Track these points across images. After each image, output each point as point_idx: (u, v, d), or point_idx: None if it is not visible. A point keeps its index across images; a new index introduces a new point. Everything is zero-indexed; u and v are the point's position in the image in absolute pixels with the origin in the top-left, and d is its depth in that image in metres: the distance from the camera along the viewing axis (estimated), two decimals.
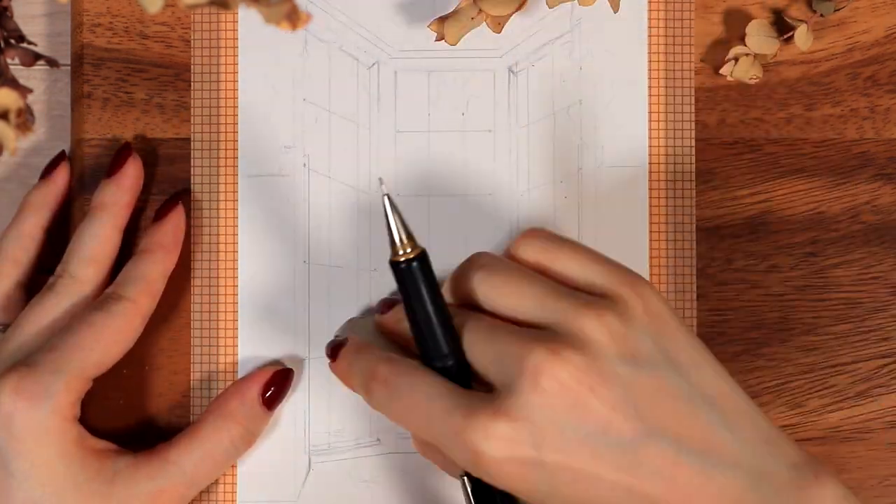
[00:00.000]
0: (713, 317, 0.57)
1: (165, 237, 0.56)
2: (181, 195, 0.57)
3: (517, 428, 0.47)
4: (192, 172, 0.58)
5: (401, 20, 0.58)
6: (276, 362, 0.57)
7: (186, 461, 0.54)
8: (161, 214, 0.57)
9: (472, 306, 0.51)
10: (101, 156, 0.58)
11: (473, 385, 0.50)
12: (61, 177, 0.58)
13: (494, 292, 0.50)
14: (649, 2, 0.58)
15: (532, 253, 0.51)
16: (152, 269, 0.56)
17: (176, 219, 0.57)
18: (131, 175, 0.57)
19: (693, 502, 0.47)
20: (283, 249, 0.58)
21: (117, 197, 0.56)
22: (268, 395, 0.56)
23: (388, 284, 0.57)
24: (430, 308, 0.50)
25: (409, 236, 0.50)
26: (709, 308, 0.57)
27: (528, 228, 0.53)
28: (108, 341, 0.54)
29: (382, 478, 0.57)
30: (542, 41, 0.58)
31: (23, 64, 0.53)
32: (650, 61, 0.58)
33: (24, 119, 0.48)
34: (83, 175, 0.58)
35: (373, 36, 0.58)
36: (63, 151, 0.58)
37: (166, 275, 0.56)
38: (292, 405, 0.57)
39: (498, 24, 0.57)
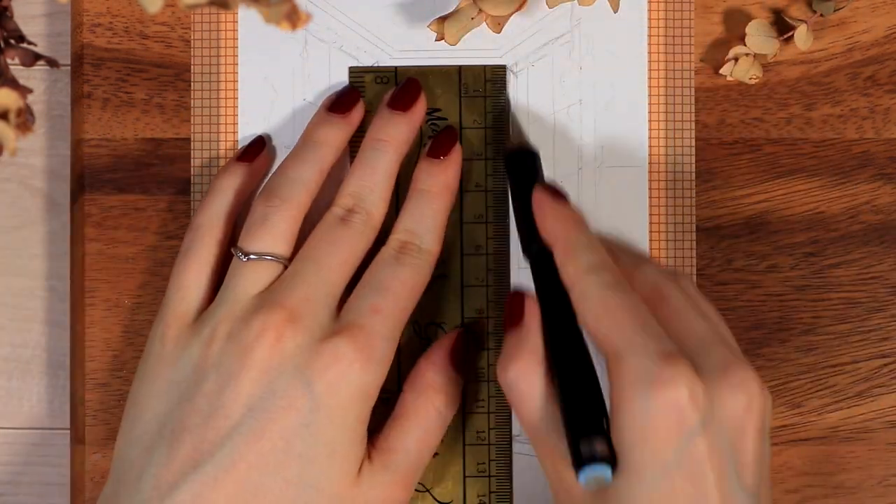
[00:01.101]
0: None
1: (451, 178, 0.55)
2: (451, 129, 0.56)
3: None
4: (192, 172, 0.58)
5: (401, 20, 0.58)
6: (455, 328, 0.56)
7: (409, 443, 0.53)
8: (442, 151, 0.55)
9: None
10: (102, 156, 0.58)
11: None
12: (357, 114, 0.56)
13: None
14: (649, 2, 0.58)
15: (668, 291, 0.51)
16: (444, 217, 0.54)
17: (457, 156, 0.55)
18: (422, 111, 0.56)
19: None
20: None
21: (408, 134, 0.55)
22: (456, 358, 0.55)
23: None
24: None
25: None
26: None
27: (676, 271, 0.53)
28: (416, 294, 0.53)
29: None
30: (542, 41, 0.58)
31: (23, 64, 0.53)
32: (650, 61, 0.58)
33: (24, 119, 0.48)
34: (83, 175, 0.58)
35: (373, 36, 0.58)
36: (356, 89, 0.56)
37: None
38: None
39: (498, 24, 0.57)
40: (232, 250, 0.54)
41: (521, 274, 0.57)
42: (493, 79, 0.57)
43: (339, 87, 0.57)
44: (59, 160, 0.61)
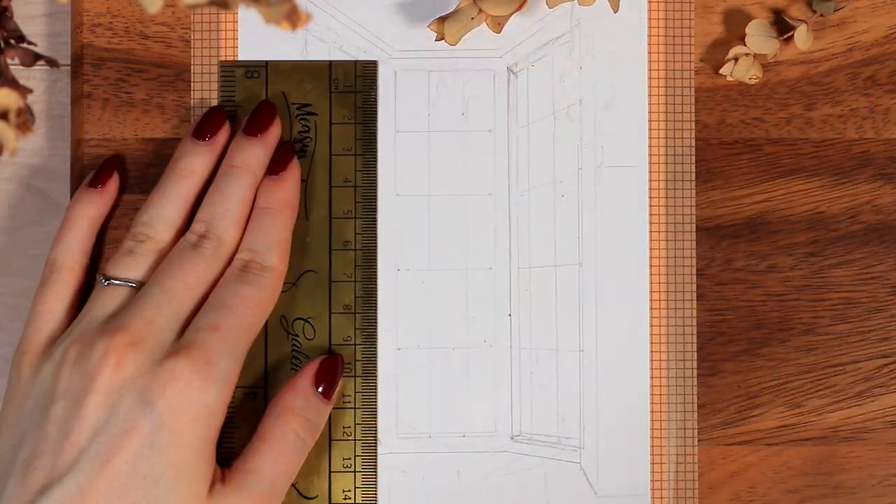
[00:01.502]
0: (713, 317, 0.58)
1: (289, 194, 0.55)
2: (288, 145, 0.56)
3: None
4: None
5: (401, 20, 0.58)
6: (326, 352, 0.57)
7: (264, 465, 0.53)
8: (278, 169, 0.56)
9: None
10: (102, 156, 0.58)
11: None
12: (222, 135, 0.56)
13: None
14: (649, 2, 0.58)
15: None
16: (286, 232, 0.55)
17: (294, 172, 0.56)
18: (276, 135, 0.56)
19: None
20: None
21: (262, 158, 0.55)
22: (321, 383, 0.55)
23: (383, 292, 0.57)
24: None
25: None
26: (709, 308, 0.57)
27: None
28: (261, 312, 0.54)
29: (382, 478, 0.57)
30: (542, 41, 0.58)
31: (23, 64, 0.53)
32: (650, 61, 0.58)
33: (24, 119, 0.48)
34: (83, 175, 0.58)
35: (373, 36, 0.58)
36: (222, 109, 0.56)
37: (291, 233, 0.55)
38: None
39: (498, 24, 0.57)
40: (96, 276, 0.55)
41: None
42: (364, 74, 0.57)
43: (205, 111, 0.57)
44: (59, 160, 0.61)
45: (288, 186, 0.55)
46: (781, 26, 0.57)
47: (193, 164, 0.56)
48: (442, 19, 0.56)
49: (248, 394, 0.54)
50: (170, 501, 0.51)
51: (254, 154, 0.55)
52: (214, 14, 0.58)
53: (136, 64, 0.58)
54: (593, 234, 0.58)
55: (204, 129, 0.56)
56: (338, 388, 0.56)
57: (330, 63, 0.57)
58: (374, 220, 0.57)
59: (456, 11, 0.56)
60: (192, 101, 0.58)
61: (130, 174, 0.58)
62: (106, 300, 0.54)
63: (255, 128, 0.56)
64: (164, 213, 0.55)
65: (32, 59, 0.53)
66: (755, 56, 0.57)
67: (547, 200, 0.58)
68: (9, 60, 0.52)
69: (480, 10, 0.55)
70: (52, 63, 0.52)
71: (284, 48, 0.58)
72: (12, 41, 0.53)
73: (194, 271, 0.53)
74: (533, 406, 0.57)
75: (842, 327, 0.58)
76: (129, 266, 0.54)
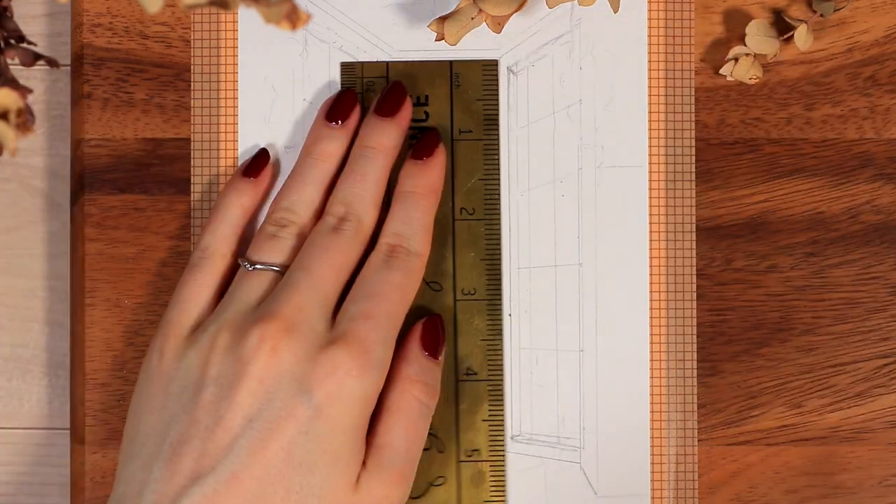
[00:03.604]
0: (713, 317, 0.58)
1: (435, 179, 0.55)
2: (434, 131, 0.56)
3: None
4: (192, 172, 0.58)
5: (401, 20, 0.58)
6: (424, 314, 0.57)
7: (395, 439, 0.53)
8: (425, 153, 0.56)
9: None
10: (102, 156, 0.58)
11: None
12: (354, 118, 0.56)
13: None
14: (649, 2, 0.58)
15: None
16: (430, 218, 0.55)
17: (441, 158, 0.56)
18: (408, 115, 0.56)
19: None
20: None
21: (397, 139, 0.55)
22: (427, 346, 0.55)
23: None
24: None
25: None
26: (709, 308, 0.58)
27: None
28: (408, 297, 0.54)
29: None
30: (542, 41, 0.58)
31: (23, 64, 0.53)
32: (650, 61, 0.58)
33: (24, 119, 0.48)
34: (83, 175, 0.58)
35: (373, 36, 0.58)
36: (353, 92, 0.56)
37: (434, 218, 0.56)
38: None
39: (498, 24, 0.57)
40: (239, 261, 0.55)
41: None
42: (486, 77, 0.57)
43: (337, 90, 0.57)
44: (59, 160, 0.61)
45: (433, 172, 0.55)
46: (781, 26, 0.57)
47: (329, 147, 0.55)
48: (442, 19, 0.56)
49: None
50: (323, 488, 0.50)
51: (388, 135, 0.55)
52: (214, 14, 0.58)
53: (136, 64, 0.58)
54: (593, 234, 0.58)
55: (337, 112, 0.56)
56: (443, 347, 0.56)
57: (451, 63, 0.57)
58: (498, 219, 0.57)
59: (456, 11, 0.56)
60: (192, 101, 0.58)
61: (130, 174, 0.58)
62: (252, 285, 0.53)
63: (386, 109, 0.56)
64: (304, 196, 0.55)
65: (32, 59, 0.53)
66: (755, 56, 0.57)
67: (547, 200, 0.58)
68: (9, 60, 0.52)
69: (480, 10, 0.55)
70: (52, 63, 0.52)
71: (284, 48, 0.58)
72: (12, 41, 0.53)
73: (338, 254, 0.53)
74: (533, 406, 0.57)
75: (842, 327, 0.58)
76: (273, 250, 0.54)
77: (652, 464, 0.57)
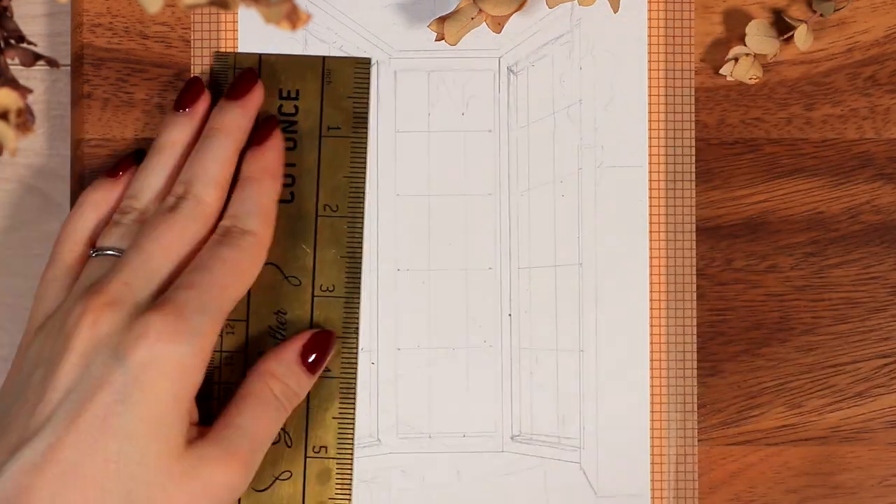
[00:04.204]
0: (713, 317, 0.58)
1: (272, 162, 0.56)
2: (272, 116, 0.57)
3: None
4: None
5: (401, 20, 0.58)
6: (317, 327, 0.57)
7: (244, 421, 0.53)
8: (260, 139, 0.56)
9: None
10: (102, 156, 0.58)
11: None
12: (202, 104, 0.57)
13: None
14: (649, 2, 0.58)
15: None
16: (267, 199, 0.55)
17: (277, 141, 0.56)
18: (257, 99, 0.56)
19: None
20: None
21: (241, 121, 0.56)
22: (309, 358, 0.55)
23: (382, 292, 0.57)
24: None
25: None
26: (709, 308, 0.57)
27: None
28: (241, 276, 0.53)
29: (382, 478, 0.57)
30: (542, 41, 0.58)
31: (23, 64, 0.53)
32: (650, 61, 0.58)
33: (24, 119, 0.48)
34: (83, 175, 0.58)
35: (373, 36, 0.58)
36: (202, 84, 0.57)
37: (277, 200, 0.55)
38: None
39: (498, 24, 0.57)
40: (90, 252, 0.55)
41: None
42: (358, 73, 0.57)
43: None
44: (59, 160, 0.61)
45: (270, 156, 0.56)
46: (781, 26, 0.57)
47: (173, 134, 0.56)
48: (442, 19, 0.56)
49: (227, 331, 0.55)
50: (143, 458, 0.50)
51: (232, 116, 0.56)
52: (214, 14, 0.58)
53: (136, 64, 0.58)
54: (593, 234, 0.58)
55: (183, 100, 0.56)
56: (323, 365, 0.56)
57: (324, 58, 0.57)
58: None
59: (456, 11, 0.56)
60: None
61: (130, 175, 0.58)
62: (93, 270, 0.54)
63: (235, 92, 0.56)
64: (146, 183, 0.55)
65: (32, 59, 0.53)
66: (755, 56, 0.57)
67: (547, 200, 0.58)
68: (9, 60, 0.52)
69: (480, 10, 0.55)
70: (52, 63, 0.52)
71: (284, 48, 0.58)
72: (12, 41, 0.53)
73: (170, 232, 0.53)
74: (533, 406, 0.57)
75: (842, 327, 0.58)
76: (115, 236, 0.55)
77: (652, 464, 0.57)
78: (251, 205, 0.55)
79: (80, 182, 0.58)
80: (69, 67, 0.59)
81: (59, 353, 0.51)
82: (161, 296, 0.52)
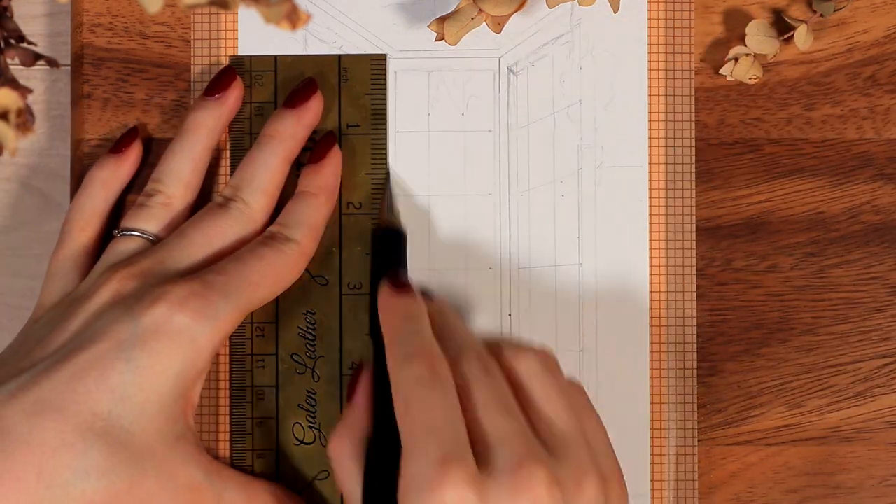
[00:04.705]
0: (713, 317, 0.58)
1: (328, 179, 0.55)
2: (330, 134, 0.57)
3: None
4: None
5: (401, 20, 0.58)
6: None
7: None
8: (319, 156, 0.56)
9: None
10: (102, 156, 0.58)
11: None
12: (233, 94, 0.56)
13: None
14: (649, 2, 0.58)
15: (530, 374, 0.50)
16: (318, 214, 0.55)
17: (335, 159, 0.56)
18: (314, 110, 0.56)
19: None
20: None
21: (295, 130, 0.55)
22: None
23: None
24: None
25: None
26: (709, 308, 0.57)
27: (544, 350, 0.52)
28: (274, 279, 0.53)
29: None
30: (542, 41, 0.58)
31: (23, 64, 0.53)
32: (650, 61, 0.58)
33: (24, 119, 0.48)
34: (83, 175, 0.58)
35: (373, 36, 0.58)
36: (232, 68, 0.57)
37: (328, 218, 0.55)
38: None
39: (498, 24, 0.57)
40: (114, 232, 0.55)
41: None
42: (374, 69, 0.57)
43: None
44: (59, 160, 0.61)
45: (326, 172, 0.56)
46: (781, 26, 0.57)
47: (200, 118, 0.56)
48: (442, 19, 0.56)
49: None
50: (132, 433, 0.49)
51: (285, 124, 0.55)
52: (214, 14, 0.58)
53: (136, 64, 0.58)
54: (593, 234, 0.58)
55: (214, 86, 0.56)
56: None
57: (339, 57, 0.57)
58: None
59: (456, 11, 0.56)
60: (192, 101, 0.58)
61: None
62: (120, 248, 0.54)
63: (292, 101, 0.56)
64: (172, 167, 0.55)
65: (32, 59, 0.53)
66: (755, 56, 0.57)
67: (547, 200, 0.58)
68: (9, 60, 0.52)
69: (480, 10, 0.55)
70: (52, 63, 0.52)
71: (284, 48, 0.58)
72: (12, 41, 0.53)
73: (214, 224, 0.53)
74: None
75: (842, 327, 0.58)
76: (141, 218, 0.54)
77: (652, 464, 0.57)
78: (301, 216, 0.54)
79: (80, 182, 0.58)
80: (69, 67, 0.59)
81: (73, 312, 0.51)
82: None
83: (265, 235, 0.54)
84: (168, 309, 0.50)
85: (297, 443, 0.56)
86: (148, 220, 0.54)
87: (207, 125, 0.56)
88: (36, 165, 0.60)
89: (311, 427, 0.56)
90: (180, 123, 0.56)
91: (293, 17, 0.42)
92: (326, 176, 0.56)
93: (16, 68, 0.54)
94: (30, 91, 0.50)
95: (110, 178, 0.56)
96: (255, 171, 0.55)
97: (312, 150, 0.56)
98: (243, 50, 0.58)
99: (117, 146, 0.57)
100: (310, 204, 0.55)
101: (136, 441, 0.49)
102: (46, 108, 0.61)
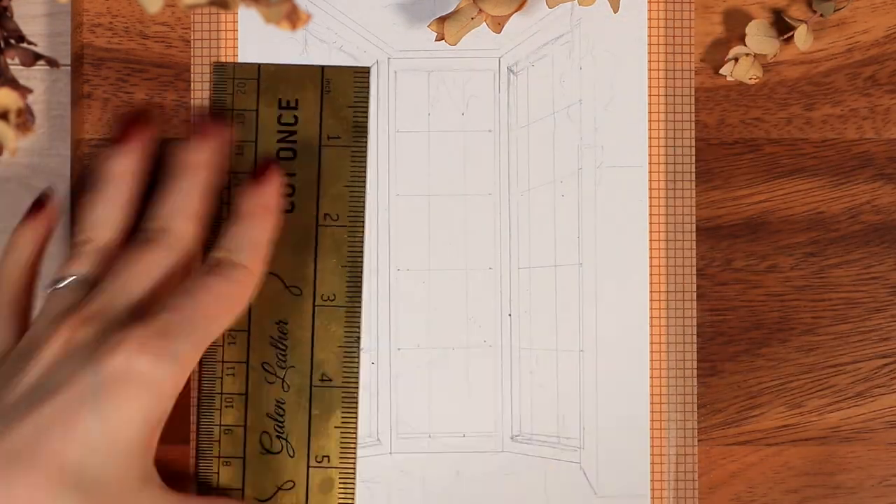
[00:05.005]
0: (713, 317, 0.58)
1: (269, 199, 0.55)
2: (271, 158, 0.56)
3: None
4: None
5: (401, 20, 0.58)
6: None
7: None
8: (259, 175, 0.55)
9: None
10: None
11: None
12: (222, 136, 0.56)
13: None
14: (649, 2, 0.58)
15: None
16: (261, 234, 0.54)
17: (275, 178, 0.55)
18: (227, 135, 0.56)
19: None
20: None
21: (210, 157, 0.55)
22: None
23: (382, 292, 0.57)
24: None
25: None
26: (709, 308, 0.57)
27: None
28: (228, 308, 0.52)
29: (382, 478, 0.57)
30: (542, 41, 0.58)
31: (23, 64, 0.53)
32: (650, 61, 0.58)
33: (24, 119, 0.48)
34: (83, 175, 0.58)
35: (373, 36, 0.58)
36: (141, 112, 0.56)
37: (271, 237, 0.55)
38: None
39: (498, 24, 0.57)
40: (44, 290, 0.54)
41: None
42: (358, 82, 0.57)
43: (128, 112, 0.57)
44: (59, 160, 0.61)
45: (266, 192, 0.55)
46: (781, 26, 0.57)
47: (122, 164, 0.55)
48: (442, 19, 0.56)
49: (228, 373, 0.55)
50: (102, 482, 0.49)
51: (199, 151, 0.55)
52: (214, 14, 0.58)
53: (136, 64, 0.58)
54: (593, 234, 0.58)
55: (128, 130, 0.56)
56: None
57: (323, 68, 0.57)
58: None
59: (456, 11, 0.56)
60: (191, 101, 0.58)
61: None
62: (57, 301, 0.53)
63: (200, 129, 0.56)
64: (101, 214, 0.54)
65: (32, 59, 0.53)
66: (755, 56, 0.57)
67: (547, 200, 0.58)
68: (9, 60, 0.52)
69: (480, 10, 0.55)
70: (52, 63, 0.52)
71: (284, 48, 0.58)
72: (12, 41, 0.53)
73: (143, 259, 0.53)
74: (533, 406, 0.57)
75: (842, 327, 0.58)
76: (74, 264, 0.54)
77: (652, 464, 0.57)
78: (244, 239, 0.54)
79: (80, 182, 0.58)
80: (69, 67, 0.59)
81: (23, 364, 0.50)
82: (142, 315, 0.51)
83: (211, 264, 0.53)
84: (128, 355, 0.49)
85: (264, 452, 0.56)
86: (81, 264, 0.53)
87: (130, 170, 0.55)
88: (36, 165, 0.60)
89: (278, 437, 0.56)
90: (104, 167, 0.55)
91: (293, 17, 0.42)
92: (267, 194, 0.55)
93: (16, 68, 0.54)
94: (30, 91, 0.50)
95: (32, 237, 0.55)
96: (174, 200, 0.54)
97: (254, 170, 0.56)
98: (244, 50, 0.58)
99: (33, 209, 0.56)
100: (252, 224, 0.54)
101: (106, 490, 0.49)
102: (46, 108, 0.61)
